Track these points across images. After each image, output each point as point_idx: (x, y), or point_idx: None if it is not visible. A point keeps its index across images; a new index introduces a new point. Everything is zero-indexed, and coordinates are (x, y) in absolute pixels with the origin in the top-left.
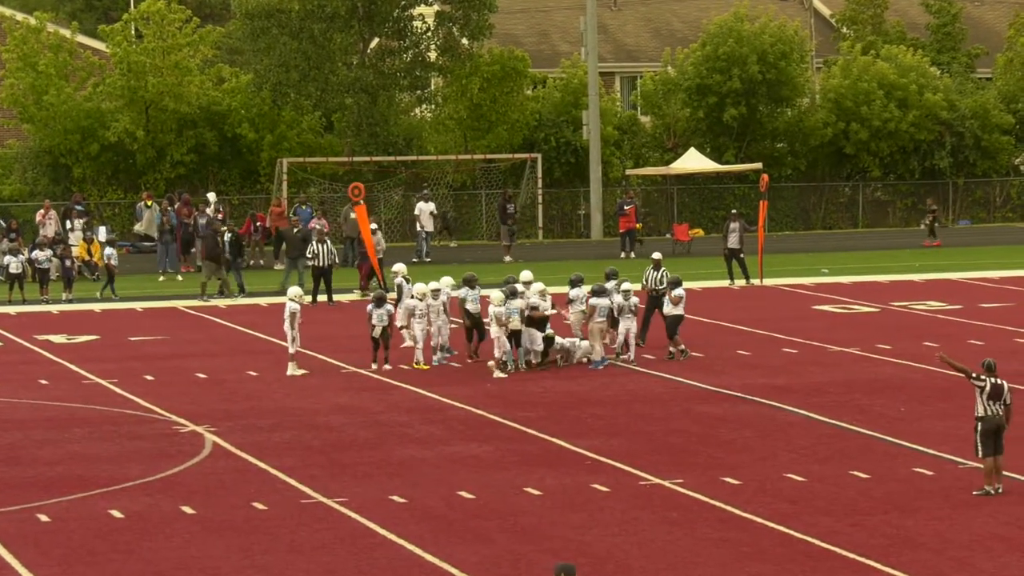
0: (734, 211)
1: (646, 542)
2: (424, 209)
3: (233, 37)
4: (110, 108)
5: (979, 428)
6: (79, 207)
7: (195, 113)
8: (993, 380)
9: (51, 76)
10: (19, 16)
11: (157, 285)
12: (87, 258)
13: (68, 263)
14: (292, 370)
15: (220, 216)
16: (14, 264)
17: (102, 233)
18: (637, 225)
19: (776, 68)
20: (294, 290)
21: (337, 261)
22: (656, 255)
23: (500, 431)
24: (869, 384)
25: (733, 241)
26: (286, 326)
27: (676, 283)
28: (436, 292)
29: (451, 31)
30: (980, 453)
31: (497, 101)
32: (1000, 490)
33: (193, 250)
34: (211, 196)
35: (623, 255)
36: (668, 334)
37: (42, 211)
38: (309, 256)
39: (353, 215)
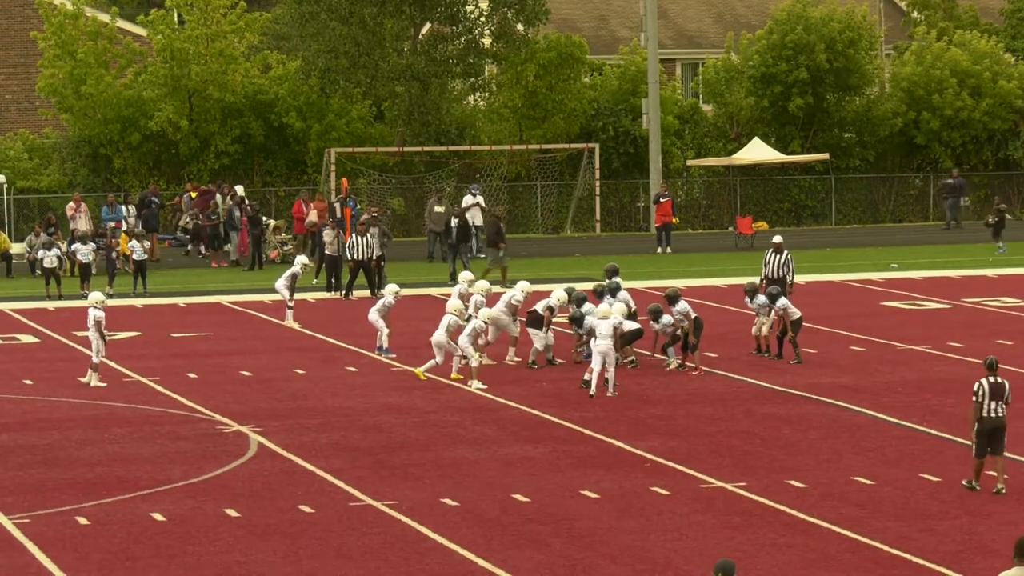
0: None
1: (707, 548)
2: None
3: (280, 22)
4: (151, 97)
5: (976, 428)
6: (156, 200)
7: (240, 102)
8: (992, 379)
9: (90, 65)
10: (57, 0)
11: (200, 280)
12: (128, 252)
13: (113, 255)
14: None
15: (254, 203)
16: (48, 259)
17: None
18: (674, 219)
19: (844, 56)
20: (280, 283)
21: (375, 255)
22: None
23: (555, 432)
24: (940, 383)
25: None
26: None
27: (775, 295)
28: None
29: (506, 16)
30: (975, 453)
31: (553, 89)
32: (978, 487)
33: (227, 247)
34: (239, 188)
35: (659, 250)
36: (792, 334)
37: (72, 204)
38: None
39: (438, 208)
